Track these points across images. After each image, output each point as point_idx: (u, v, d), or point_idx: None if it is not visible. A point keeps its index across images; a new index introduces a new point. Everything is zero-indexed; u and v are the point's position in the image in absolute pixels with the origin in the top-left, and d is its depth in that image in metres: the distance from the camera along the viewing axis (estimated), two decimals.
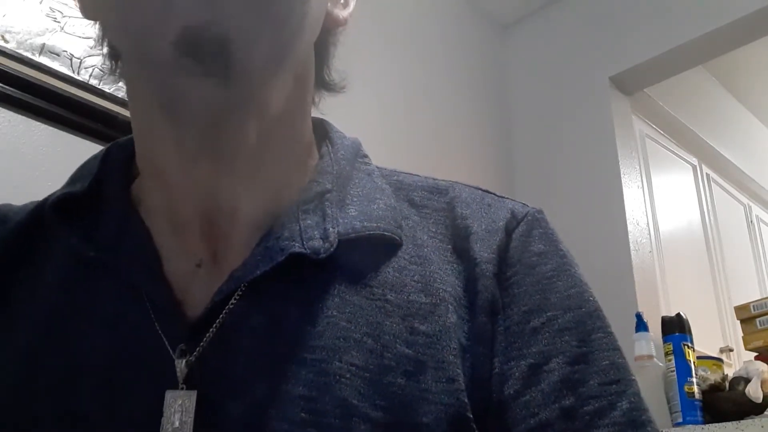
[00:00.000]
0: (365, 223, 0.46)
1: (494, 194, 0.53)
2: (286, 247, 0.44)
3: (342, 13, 0.52)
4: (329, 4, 0.51)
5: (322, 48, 0.53)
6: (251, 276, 0.43)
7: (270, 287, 0.44)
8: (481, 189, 0.54)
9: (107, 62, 0.51)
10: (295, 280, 0.44)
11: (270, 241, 0.45)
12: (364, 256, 0.46)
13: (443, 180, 0.54)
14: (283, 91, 0.46)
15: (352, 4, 0.54)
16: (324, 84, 0.54)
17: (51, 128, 1.28)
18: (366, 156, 0.54)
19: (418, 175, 0.55)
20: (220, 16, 0.39)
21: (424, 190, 0.52)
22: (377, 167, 0.54)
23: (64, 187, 0.50)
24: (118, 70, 0.51)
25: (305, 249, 0.44)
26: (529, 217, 0.51)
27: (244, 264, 0.44)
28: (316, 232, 0.45)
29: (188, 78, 0.41)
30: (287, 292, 0.44)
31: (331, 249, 0.44)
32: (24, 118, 1.25)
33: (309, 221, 0.46)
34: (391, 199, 0.50)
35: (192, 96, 0.43)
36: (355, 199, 0.48)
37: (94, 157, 0.52)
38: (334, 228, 0.45)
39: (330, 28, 0.52)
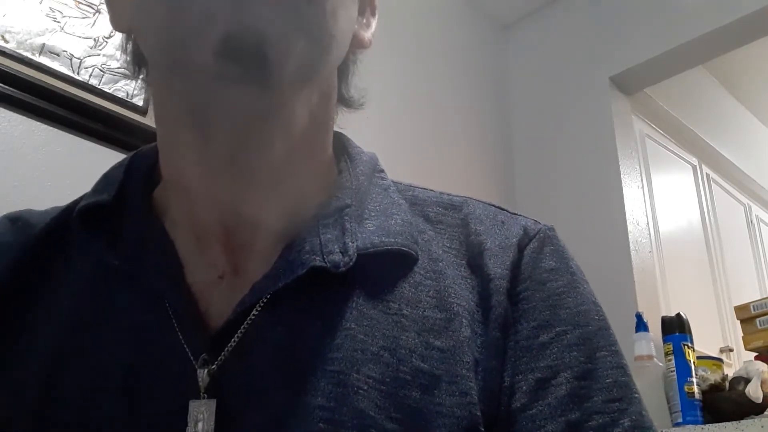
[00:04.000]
0: (383, 238, 0.47)
1: (507, 211, 0.54)
2: (307, 261, 0.45)
3: (366, 35, 0.54)
4: (356, 26, 0.52)
5: (344, 66, 0.54)
6: (273, 288, 0.44)
7: (290, 299, 0.45)
8: (494, 205, 0.54)
9: (130, 69, 0.52)
10: (314, 293, 0.45)
11: (291, 255, 0.46)
12: (381, 270, 0.47)
13: (457, 195, 0.55)
14: (308, 106, 0.47)
15: (373, 25, 0.55)
16: (343, 100, 0.55)
17: (51, 128, 1.28)
18: (382, 171, 0.55)
19: (432, 190, 0.56)
20: (259, 22, 0.40)
21: (439, 206, 0.53)
22: (393, 182, 0.54)
23: (89, 196, 0.50)
24: (141, 77, 0.52)
25: (325, 263, 0.45)
26: (541, 234, 0.52)
27: (265, 276, 0.45)
28: (335, 246, 0.46)
29: (227, 84, 0.42)
30: (307, 305, 0.45)
31: (350, 263, 0.45)
32: (24, 118, 1.25)
33: (329, 235, 0.47)
34: (408, 214, 0.51)
35: (227, 104, 0.43)
36: (373, 214, 0.49)
37: (119, 166, 0.53)
38: (353, 242, 0.46)
39: (354, 48, 0.53)
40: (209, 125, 0.45)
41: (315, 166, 0.50)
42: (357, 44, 0.53)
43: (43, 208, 0.56)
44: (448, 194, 0.55)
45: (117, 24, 0.50)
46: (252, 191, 0.47)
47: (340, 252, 0.46)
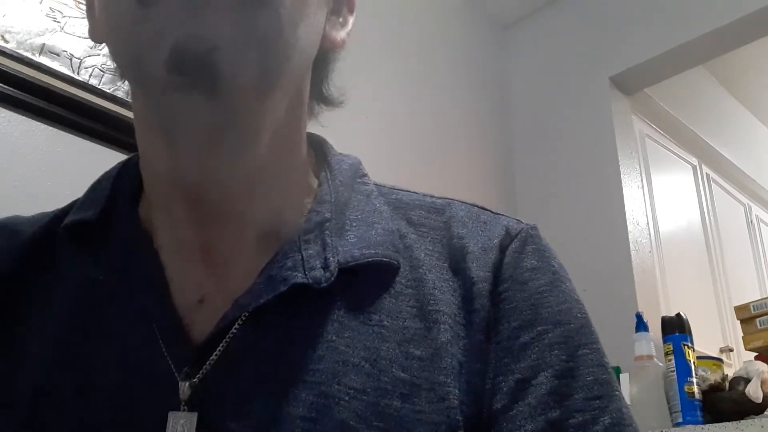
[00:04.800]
0: (364, 251, 0.48)
1: (490, 211, 0.54)
2: (289, 277, 0.45)
3: (340, 35, 0.53)
4: (327, 27, 0.51)
5: (321, 66, 0.53)
6: (255, 304, 0.45)
7: (272, 314, 0.45)
8: (477, 206, 0.54)
9: (119, 78, 0.52)
10: (296, 307, 0.45)
11: (273, 270, 0.46)
12: (362, 282, 0.47)
13: (440, 198, 0.55)
14: (275, 113, 0.46)
15: (350, 24, 0.54)
16: (322, 99, 0.55)
17: (51, 128, 1.28)
18: (365, 175, 0.55)
19: (416, 193, 0.55)
20: (204, 30, 0.40)
21: (422, 209, 0.53)
22: (376, 185, 0.54)
23: (76, 210, 0.50)
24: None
25: (307, 279, 0.45)
26: (523, 234, 0.52)
27: (248, 292, 0.45)
28: (317, 262, 0.46)
29: (179, 94, 0.42)
30: (289, 319, 0.45)
31: (332, 278, 0.46)
32: (24, 118, 1.25)
33: (310, 251, 0.47)
34: (389, 221, 0.51)
35: (183, 112, 0.43)
36: (354, 224, 0.49)
37: (107, 177, 0.53)
38: (334, 257, 0.47)
39: (328, 49, 0.52)
40: (174, 135, 0.45)
41: (290, 173, 0.50)
42: (329, 45, 0.52)
43: (43, 208, 0.56)
44: (432, 196, 0.55)
45: (93, 35, 0.51)
46: (226, 200, 0.47)
47: (322, 267, 0.46)
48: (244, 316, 0.45)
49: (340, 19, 0.54)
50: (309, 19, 0.46)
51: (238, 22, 0.41)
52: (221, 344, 0.44)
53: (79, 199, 0.52)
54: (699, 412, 1.58)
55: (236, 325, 0.44)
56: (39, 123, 1.27)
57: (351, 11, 0.55)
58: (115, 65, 0.51)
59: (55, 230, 0.51)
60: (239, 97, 0.43)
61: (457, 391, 0.45)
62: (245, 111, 0.44)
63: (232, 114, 0.44)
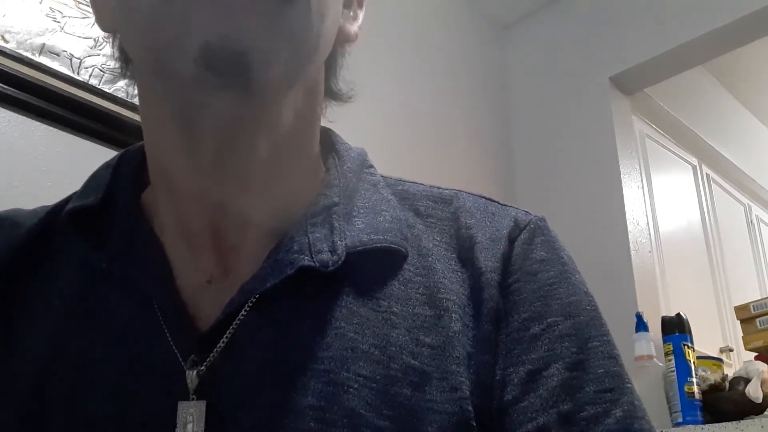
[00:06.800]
0: (372, 236, 0.47)
1: (497, 202, 0.54)
2: (296, 261, 0.45)
3: (353, 28, 0.53)
4: (341, 20, 0.51)
5: (332, 60, 0.53)
6: (261, 288, 0.44)
7: (279, 299, 0.44)
8: (484, 197, 0.54)
9: (118, 66, 0.52)
10: (304, 293, 0.45)
11: (280, 254, 0.45)
12: (370, 268, 0.47)
13: (447, 189, 0.55)
14: (294, 106, 0.46)
15: (360, 18, 0.54)
16: (332, 94, 0.55)
17: (51, 128, 1.28)
18: (371, 166, 0.54)
19: (422, 184, 0.55)
20: (239, 30, 0.39)
21: (429, 200, 0.53)
22: (382, 176, 0.54)
23: (76, 198, 0.50)
24: (128, 74, 0.51)
25: (314, 262, 0.45)
26: (532, 225, 0.51)
27: (254, 277, 0.45)
28: (324, 245, 0.46)
29: (208, 92, 0.42)
30: (296, 304, 0.45)
31: (339, 262, 0.45)
32: (24, 118, 1.25)
33: (317, 234, 0.46)
34: (397, 210, 0.51)
35: (210, 110, 0.43)
36: (362, 211, 0.49)
37: (107, 166, 0.52)
38: (341, 241, 0.46)
39: (341, 43, 0.52)
40: (193, 127, 0.45)
41: (303, 163, 0.50)
42: (343, 39, 0.52)
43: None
44: (438, 188, 0.55)
45: (102, 24, 0.50)
46: (239, 191, 0.46)
47: (329, 251, 0.45)
48: (251, 302, 0.44)
49: (351, 13, 0.54)
50: (332, 10, 0.46)
51: (271, 20, 0.40)
52: (228, 331, 0.44)
53: (76, 191, 0.52)
54: (699, 412, 1.58)
55: (243, 311, 0.44)
56: (39, 123, 1.27)
57: (360, 5, 0.55)
58: (119, 57, 0.51)
59: (54, 221, 0.50)
60: (268, 94, 0.43)
61: (468, 382, 0.44)
62: (269, 105, 0.44)
63: (258, 109, 0.44)
